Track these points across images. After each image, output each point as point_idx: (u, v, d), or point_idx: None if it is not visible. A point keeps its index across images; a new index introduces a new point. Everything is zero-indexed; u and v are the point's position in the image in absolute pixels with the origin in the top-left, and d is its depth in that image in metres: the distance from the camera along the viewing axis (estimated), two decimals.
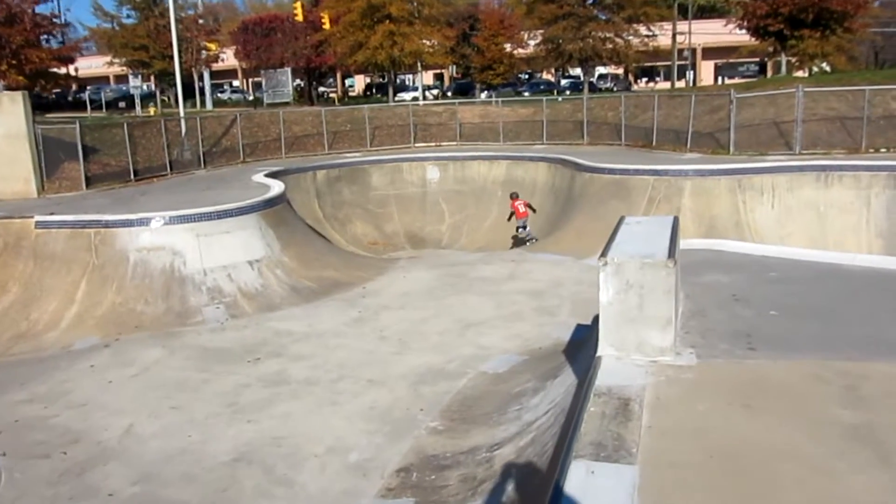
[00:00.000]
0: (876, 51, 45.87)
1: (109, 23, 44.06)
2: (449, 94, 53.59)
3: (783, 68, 34.80)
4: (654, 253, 5.67)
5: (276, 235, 14.78)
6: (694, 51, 57.78)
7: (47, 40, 33.03)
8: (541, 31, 42.67)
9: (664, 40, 46.33)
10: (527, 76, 57.80)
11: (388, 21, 37.47)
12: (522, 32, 46.28)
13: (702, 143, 20.71)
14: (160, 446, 7.86)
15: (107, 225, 13.55)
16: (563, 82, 54.21)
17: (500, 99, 31.90)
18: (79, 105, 45.92)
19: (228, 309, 12.73)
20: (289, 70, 43.24)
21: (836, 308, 6.60)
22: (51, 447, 7.92)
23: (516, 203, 19.10)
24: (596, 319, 5.85)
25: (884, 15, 40.33)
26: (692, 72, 58.15)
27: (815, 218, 16.30)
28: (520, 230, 19.10)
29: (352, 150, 26.15)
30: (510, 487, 5.87)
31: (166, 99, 45.82)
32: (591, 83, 45.09)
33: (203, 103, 47.78)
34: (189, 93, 43.26)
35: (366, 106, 29.96)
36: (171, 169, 21.60)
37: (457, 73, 60.99)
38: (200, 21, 44.40)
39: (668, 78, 55.03)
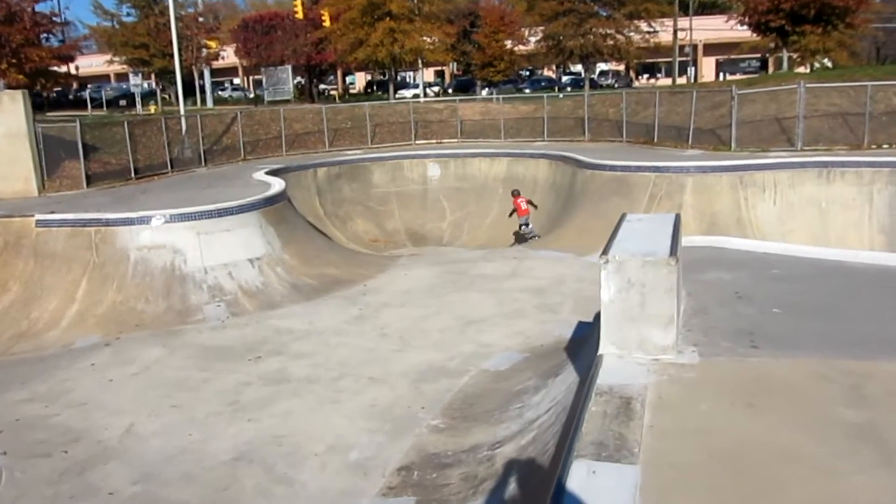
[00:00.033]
0: (878, 46, 45.73)
1: (109, 21, 44.04)
2: (450, 91, 53.46)
3: (785, 64, 34.72)
4: (656, 251, 5.63)
5: (276, 233, 14.76)
6: (695, 47, 57.68)
7: (47, 39, 33.01)
8: (541, 27, 42.62)
9: (665, 36, 46.22)
10: (528, 73, 57.68)
11: (388, 18, 37.44)
12: (523, 29, 46.17)
13: (703, 139, 20.66)
14: (161, 445, 7.84)
15: (107, 223, 13.53)
16: (564, 79, 54.09)
17: (500, 96, 31.82)
18: (79, 103, 45.87)
19: (229, 307, 12.71)
20: (289, 67, 43.17)
21: (839, 306, 6.56)
22: (51, 446, 7.90)
23: (518, 200, 19.07)
24: (597, 317, 5.82)
25: (885, 10, 40.24)
26: (693, 68, 58.03)
27: (817, 214, 16.27)
28: (522, 227, 19.07)
29: (353, 147, 26.11)
30: (511, 486, 5.84)
31: (167, 97, 45.76)
32: (592, 80, 45.04)
33: (204, 101, 47.74)
34: (190, 91, 43.24)
35: (366, 103, 29.92)
36: (171, 167, 21.58)
37: (457, 70, 60.90)
38: (200, 19, 44.33)
39: (669, 74, 54.89)
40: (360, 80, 70.45)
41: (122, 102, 45.52)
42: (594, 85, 45.77)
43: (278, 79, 42.21)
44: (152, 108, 39.20)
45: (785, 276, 7.76)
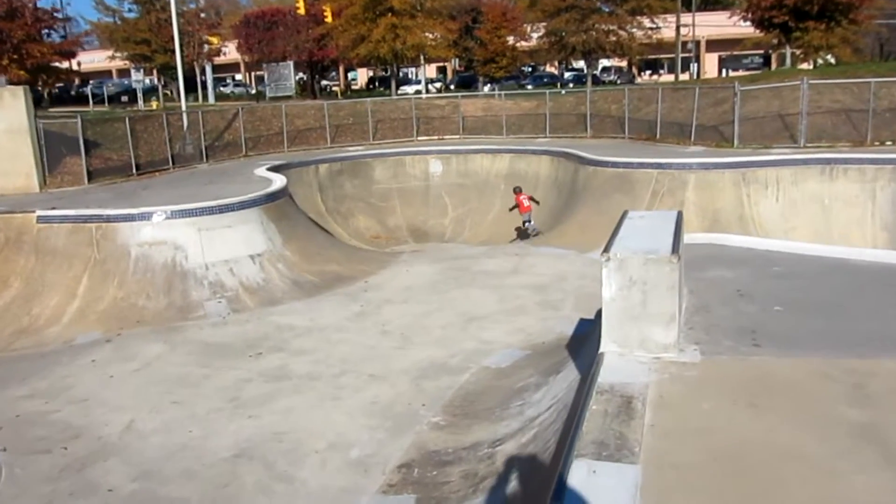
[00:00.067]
0: (881, 43, 45.57)
1: (111, 17, 44.05)
2: (452, 87, 53.43)
3: (788, 60, 34.65)
4: (658, 248, 5.60)
5: (277, 229, 14.74)
6: (698, 43, 57.57)
7: (48, 35, 33.01)
8: (544, 23, 42.59)
9: (668, 32, 46.14)
10: (530, 69, 57.63)
11: (390, 14, 37.42)
12: (525, 25, 46.13)
13: (706, 136, 20.60)
14: (161, 442, 7.82)
15: (108, 219, 13.51)
16: (567, 75, 54.07)
17: (503, 92, 31.80)
18: (81, 99, 45.89)
19: (230, 303, 12.70)
20: (291, 64, 43.16)
21: (842, 303, 6.52)
22: (51, 443, 7.89)
23: (520, 197, 19.03)
24: (599, 314, 5.79)
25: (889, 6, 40.08)
26: (696, 64, 57.93)
27: (820, 211, 16.21)
28: (525, 224, 19.03)
29: (354, 143, 26.08)
30: (512, 485, 5.82)
31: (169, 93, 45.78)
32: (594, 76, 44.98)
33: (205, 97, 47.73)
34: (191, 87, 43.23)
35: (368, 99, 29.88)
36: (173, 163, 21.56)
37: (460, 66, 60.87)
38: (202, 15, 44.39)
39: (671, 70, 54.73)
40: (362, 76, 70.41)
41: (124, 98, 45.56)
42: (596, 81, 45.72)
43: (280, 75, 42.19)
44: (154, 104, 39.19)
45: (787, 273, 7.72)
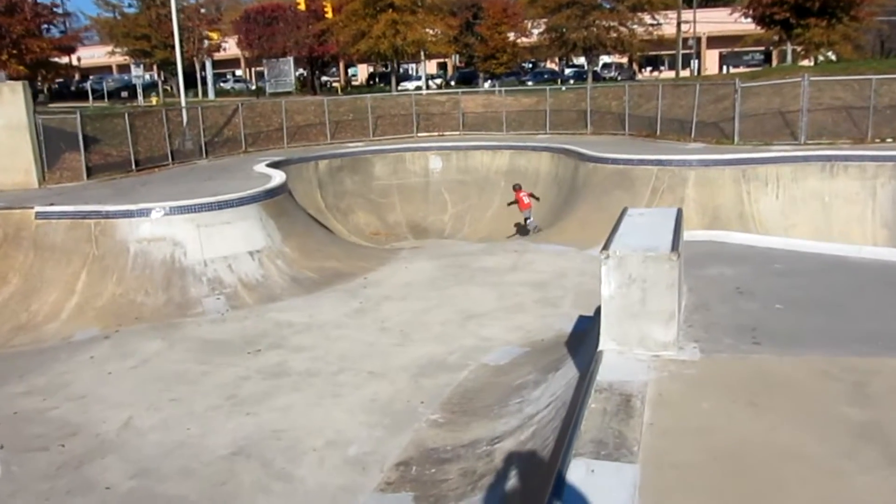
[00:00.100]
0: (882, 39, 45.44)
1: (111, 12, 43.98)
2: (452, 83, 53.34)
3: (788, 57, 34.57)
4: (657, 246, 5.57)
5: (276, 226, 14.70)
6: (699, 40, 57.45)
7: (48, 30, 32.93)
8: (544, 19, 42.51)
9: (669, 29, 46.02)
10: (530, 65, 57.53)
11: (390, 10, 37.34)
12: (526, 21, 46.04)
13: (706, 132, 20.56)
14: (159, 439, 7.80)
15: (107, 216, 13.49)
16: (567, 71, 53.95)
17: (503, 88, 31.75)
18: (81, 95, 45.83)
19: (229, 300, 12.67)
20: (291, 59, 43.08)
21: (842, 302, 6.50)
22: (49, 440, 7.86)
23: (520, 194, 18.99)
24: (598, 311, 5.76)
25: (890, 3, 39.94)
26: (697, 61, 57.81)
27: (820, 208, 16.18)
28: (526, 221, 18.99)
29: (354, 139, 26.04)
30: (510, 482, 5.80)
31: (169, 88, 45.71)
32: (594, 72, 44.91)
33: (205, 93, 47.66)
34: (191, 82, 43.19)
35: (368, 95, 29.82)
36: (172, 159, 21.52)
37: (460, 62, 60.74)
38: (202, 10, 44.28)
39: (672, 67, 54.62)
40: (362, 72, 70.27)
41: (124, 94, 45.48)
42: (597, 77, 45.64)
43: (280, 70, 42.13)
44: (154, 100, 39.12)
45: (787, 271, 7.69)
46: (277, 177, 16.98)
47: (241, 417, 8.27)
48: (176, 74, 27.53)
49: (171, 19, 27.03)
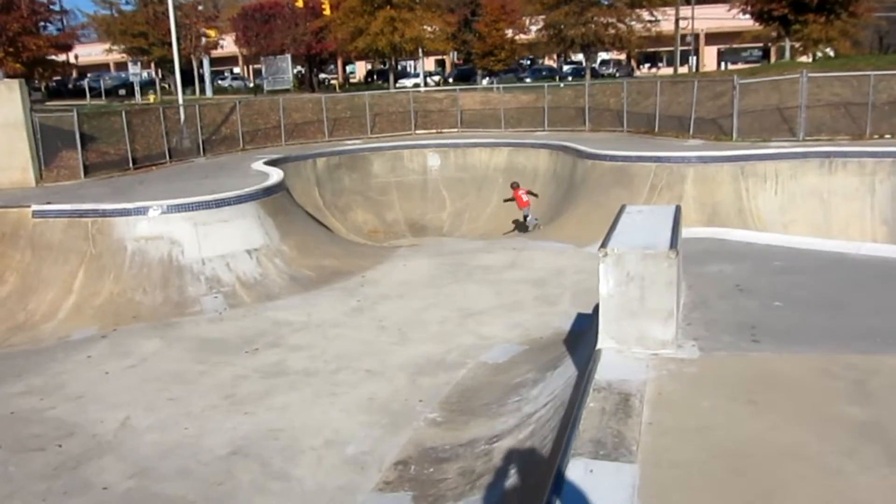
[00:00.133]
0: (881, 35, 45.37)
1: (108, 9, 43.87)
2: (450, 80, 53.25)
3: (787, 53, 34.51)
4: (656, 244, 5.54)
5: (274, 224, 14.66)
6: (697, 36, 57.37)
7: (45, 27, 32.83)
8: (542, 16, 42.38)
9: (667, 25, 45.97)
10: (528, 62, 57.44)
11: (388, 7, 37.24)
12: (524, 18, 45.93)
13: (704, 129, 20.52)
14: (156, 439, 7.77)
15: (104, 214, 13.45)
16: (565, 68, 53.83)
17: (501, 85, 31.65)
18: (79, 93, 45.72)
19: (227, 299, 12.63)
20: (289, 57, 42.98)
21: (842, 299, 6.47)
22: (46, 440, 7.83)
23: (518, 192, 18.96)
24: (597, 309, 5.73)
25: None
26: (695, 57, 57.74)
27: (819, 205, 16.15)
28: (526, 219, 18.95)
29: (352, 137, 25.97)
30: (509, 482, 5.77)
31: (167, 86, 45.61)
32: (593, 69, 44.83)
33: (203, 90, 47.56)
34: (189, 80, 43.07)
35: (366, 93, 29.75)
36: (170, 157, 21.46)
37: (458, 59, 60.66)
38: (200, 7, 44.16)
39: (670, 64, 54.59)
40: (360, 69, 70.17)
41: (122, 92, 45.32)
42: (595, 74, 45.56)
43: (278, 68, 42.02)
44: (151, 98, 39.02)
45: (787, 268, 7.66)
46: (275, 175, 16.94)
47: (238, 417, 8.24)
48: (173, 72, 27.46)
49: (168, 16, 26.92)
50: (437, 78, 56.42)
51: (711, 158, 16.81)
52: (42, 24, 32.19)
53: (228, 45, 54.46)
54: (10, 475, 7.11)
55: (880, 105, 18.84)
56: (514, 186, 19.22)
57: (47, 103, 31.83)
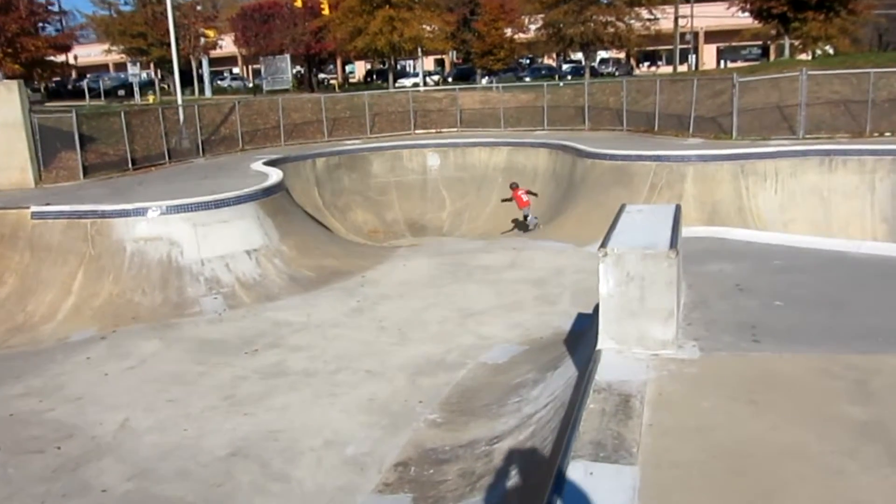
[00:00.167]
0: (880, 33, 45.33)
1: (107, 10, 43.84)
2: (449, 79, 53.21)
3: (786, 51, 34.49)
4: (656, 243, 5.52)
5: (274, 224, 14.64)
6: (696, 34, 57.31)
7: (43, 28, 32.81)
8: (541, 15, 42.32)
9: (666, 24, 45.93)
10: (528, 61, 57.38)
11: (387, 6, 37.20)
12: (523, 17, 45.89)
13: (704, 127, 20.49)
14: (155, 441, 7.75)
15: (103, 215, 13.43)
16: (565, 67, 53.77)
17: (500, 84, 31.61)
18: (78, 94, 45.68)
19: (226, 299, 12.61)
20: (288, 57, 42.93)
21: (843, 298, 6.45)
22: (45, 442, 7.81)
23: (518, 193, 18.94)
24: (597, 309, 5.71)
25: None
26: (694, 56, 57.71)
27: (819, 203, 16.13)
28: (527, 218, 18.92)
29: (352, 137, 25.94)
30: (509, 484, 5.75)
31: (166, 87, 45.56)
32: (592, 68, 44.77)
33: (202, 91, 47.52)
34: (188, 80, 43.02)
35: (366, 92, 29.72)
36: (169, 157, 21.43)
37: (457, 58, 60.61)
38: (198, 7, 44.11)
39: (670, 62, 54.53)
40: (359, 69, 70.12)
41: (121, 92, 45.27)
42: (594, 73, 45.52)
43: (277, 68, 41.97)
44: (150, 98, 38.98)
45: (787, 267, 7.65)
46: (274, 175, 16.92)
47: (238, 418, 8.22)
48: (173, 72, 27.43)
49: (167, 17, 26.90)
50: (436, 77, 56.39)
51: (711, 157, 16.79)
52: (41, 24, 32.19)
53: (227, 46, 54.41)
54: (9, 477, 7.09)
55: (880, 102, 18.81)
56: (514, 187, 19.19)
57: (47, 104, 31.78)
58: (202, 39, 43.76)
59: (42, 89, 42.52)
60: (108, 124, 21.09)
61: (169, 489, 6.82)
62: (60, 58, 34.00)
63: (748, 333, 5.63)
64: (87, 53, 58.91)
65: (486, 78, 46.23)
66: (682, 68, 51.44)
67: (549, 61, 57.37)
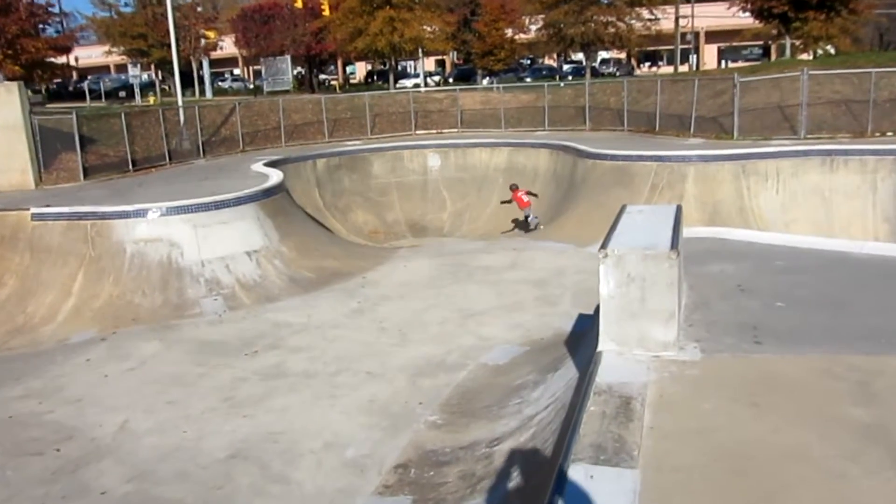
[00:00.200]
0: (881, 32, 45.27)
1: (107, 11, 43.87)
2: (450, 80, 53.20)
3: (787, 51, 34.45)
4: (657, 244, 5.49)
5: (274, 225, 14.62)
6: (697, 34, 57.29)
7: (44, 30, 32.81)
8: (542, 15, 42.30)
9: (667, 24, 45.92)
10: (528, 62, 57.38)
11: (387, 7, 37.21)
12: (524, 17, 45.86)
13: (705, 127, 20.46)
14: (155, 443, 7.72)
15: (103, 217, 13.41)
16: (566, 67, 53.77)
17: (501, 85, 31.58)
18: (79, 95, 45.69)
19: (226, 300, 12.59)
20: (288, 58, 42.94)
21: (845, 298, 6.41)
22: (44, 444, 7.79)
23: (518, 194, 18.91)
24: (598, 310, 5.68)
25: None
26: (695, 56, 57.67)
27: (821, 203, 16.09)
28: (528, 219, 18.89)
29: (352, 137, 25.93)
30: (510, 486, 5.72)
31: (167, 88, 45.58)
32: (593, 68, 44.76)
33: (203, 92, 47.53)
34: (189, 81, 43.03)
35: (366, 93, 29.71)
36: (169, 159, 21.43)
37: (458, 59, 60.61)
38: (199, 9, 44.13)
39: (670, 62, 54.51)
40: (360, 70, 70.12)
41: (122, 94, 45.28)
42: (595, 73, 45.51)
43: (278, 69, 41.97)
44: (151, 100, 38.95)
45: (789, 267, 7.61)
46: (275, 176, 16.90)
47: (238, 420, 8.19)
48: (173, 74, 27.43)
49: (167, 18, 26.89)
50: (437, 78, 56.38)
51: (712, 157, 16.76)
52: (41, 26, 32.18)
53: (228, 47, 54.45)
54: (8, 479, 7.07)
55: (881, 102, 18.77)
56: (513, 188, 19.16)
57: (48, 105, 31.79)
58: (202, 41, 43.76)
59: (43, 91, 42.54)
60: (108, 125, 21.08)
61: (168, 491, 6.79)
62: (61, 59, 33.99)
63: (750, 335, 5.60)
64: (88, 55, 58.94)
65: (487, 78, 46.22)
66: (683, 68, 51.42)
67: (549, 62, 57.36)
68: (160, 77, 47.00)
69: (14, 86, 17.83)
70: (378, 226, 21.49)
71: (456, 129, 26.74)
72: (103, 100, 42.19)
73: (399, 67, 52.62)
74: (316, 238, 16.32)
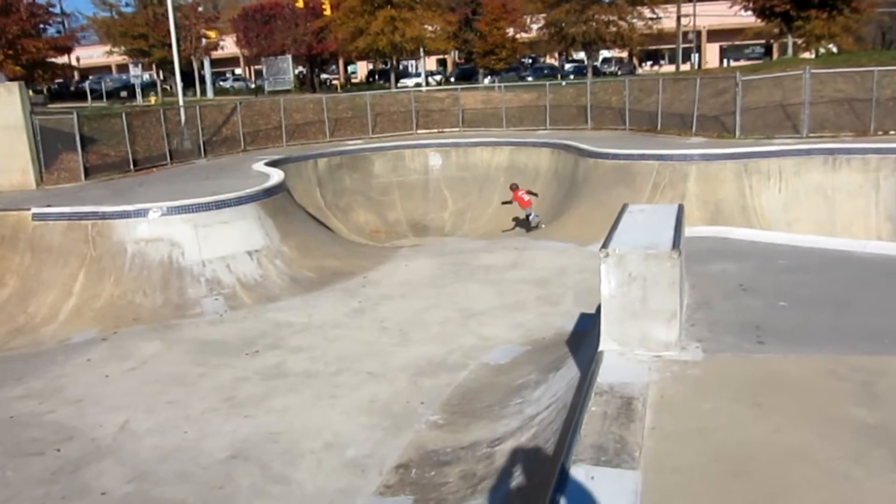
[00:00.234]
0: (883, 31, 45.16)
1: (108, 11, 43.89)
2: (452, 79, 53.17)
3: (789, 50, 34.39)
4: (658, 243, 5.46)
5: (275, 225, 14.60)
6: (699, 33, 57.23)
7: (45, 30, 32.82)
8: (543, 14, 42.28)
9: (668, 23, 45.84)
10: (530, 61, 57.35)
11: (388, 6, 37.18)
12: (525, 16, 45.83)
13: (707, 126, 20.41)
14: (155, 443, 7.71)
15: (104, 216, 13.40)
16: (567, 66, 53.73)
17: (502, 84, 31.56)
18: (80, 95, 45.71)
19: (227, 300, 12.57)
20: (289, 57, 42.92)
21: (848, 298, 6.38)
22: (45, 444, 7.77)
23: (518, 193, 18.88)
24: (599, 309, 5.65)
25: None
26: (697, 54, 57.61)
27: (823, 202, 16.04)
28: (530, 218, 18.86)
29: (353, 137, 25.90)
30: (511, 486, 5.70)
31: (168, 88, 45.59)
32: (594, 67, 44.72)
33: (204, 92, 47.53)
34: (190, 81, 43.04)
35: (367, 93, 29.68)
36: (170, 158, 21.41)
37: (459, 58, 60.60)
38: (200, 8, 44.14)
39: (672, 61, 54.42)
40: (361, 69, 70.11)
41: (123, 94, 45.29)
42: (597, 72, 45.48)
43: (279, 69, 41.96)
44: (153, 100, 38.94)
45: (791, 267, 7.58)
46: (276, 175, 16.88)
47: (238, 420, 8.17)
48: (174, 73, 27.41)
49: (168, 18, 26.88)
50: (438, 77, 56.38)
51: (714, 156, 16.72)
52: (42, 26, 32.17)
53: (229, 47, 54.44)
54: (8, 480, 7.05)
55: (884, 101, 18.71)
56: (514, 188, 19.14)
57: (49, 105, 31.79)
58: (203, 40, 43.75)
59: (45, 91, 42.56)
60: (109, 125, 21.07)
61: (169, 491, 6.78)
62: (62, 59, 33.98)
63: (752, 334, 5.57)
64: (90, 55, 58.94)
65: (489, 77, 46.21)
66: (685, 67, 51.32)
67: (551, 61, 57.33)
68: (161, 77, 47.00)
69: (15, 86, 17.82)
70: (379, 225, 21.47)
71: (457, 129, 26.70)
72: (104, 100, 42.21)
73: (400, 67, 52.61)
74: (317, 238, 16.29)
